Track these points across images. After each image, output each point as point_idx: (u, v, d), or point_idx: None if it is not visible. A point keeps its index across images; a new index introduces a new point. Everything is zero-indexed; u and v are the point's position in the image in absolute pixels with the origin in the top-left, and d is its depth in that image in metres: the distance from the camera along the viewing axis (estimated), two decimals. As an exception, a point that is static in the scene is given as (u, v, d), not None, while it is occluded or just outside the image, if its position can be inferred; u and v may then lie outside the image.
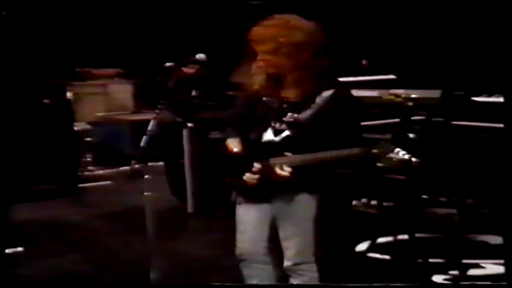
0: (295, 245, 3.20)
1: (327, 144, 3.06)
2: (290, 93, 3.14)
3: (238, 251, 3.33)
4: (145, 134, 3.27)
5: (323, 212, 3.25)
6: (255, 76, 3.19)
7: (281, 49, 3.09)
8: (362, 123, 4.75)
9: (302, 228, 3.20)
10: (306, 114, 3.12)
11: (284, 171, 3.05)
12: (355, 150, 3.02)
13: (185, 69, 3.49)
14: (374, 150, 3.00)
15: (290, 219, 3.19)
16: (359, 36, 5.82)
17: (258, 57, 3.15)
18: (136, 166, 3.12)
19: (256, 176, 3.11)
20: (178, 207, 6.10)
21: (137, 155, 3.18)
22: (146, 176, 3.25)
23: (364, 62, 5.61)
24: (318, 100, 3.12)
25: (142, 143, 3.20)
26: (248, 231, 3.29)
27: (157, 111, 3.32)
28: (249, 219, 3.28)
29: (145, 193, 3.28)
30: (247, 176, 3.13)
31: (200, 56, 3.46)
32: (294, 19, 3.17)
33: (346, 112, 3.14)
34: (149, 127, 3.26)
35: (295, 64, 3.10)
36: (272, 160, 3.08)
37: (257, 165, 3.10)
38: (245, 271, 3.33)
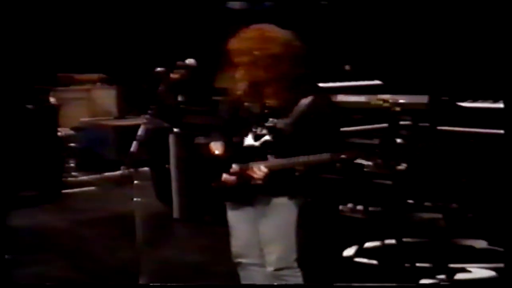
0: (276, 250, 3.22)
1: (306, 149, 3.11)
2: (270, 100, 3.19)
3: (232, 254, 3.35)
4: (135, 139, 3.25)
5: (305, 217, 3.27)
6: (237, 83, 3.23)
7: (257, 62, 3.14)
8: (349, 129, 4.80)
9: (283, 233, 3.22)
10: (286, 120, 3.17)
11: (258, 174, 3.09)
12: (325, 156, 3.06)
13: (171, 74, 3.49)
14: (343, 156, 3.04)
15: (269, 224, 3.22)
16: (342, 41, 5.85)
17: (237, 68, 3.19)
18: (126, 171, 3.11)
19: (233, 177, 3.14)
20: (164, 212, 6.08)
21: (127, 161, 3.16)
22: (135, 182, 3.24)
23: (347, 67, 5.65)
24: (298, 106, 3.16)
25: (132, 149, 3.18)
26: (240, 235, 3.32)
27: (147, 116, 3.30)
28: (240, 223, 3.31)
29: (135, 199, 3.26)
30: (225, 177, 3.17)
31: (190, 61, 3.46)
32: (269, 31, 3.20)
33: (325, 118, 3.19)
34: (139, 132, 3.25)
35: (272, 76, 3.15)
36: (250, 164, 3.14)
37: (235, 166, 3.15)
38: (242, 274, 3.36)
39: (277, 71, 3.14)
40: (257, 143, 3.20)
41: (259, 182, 3.12)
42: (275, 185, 3.16)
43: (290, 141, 3.15)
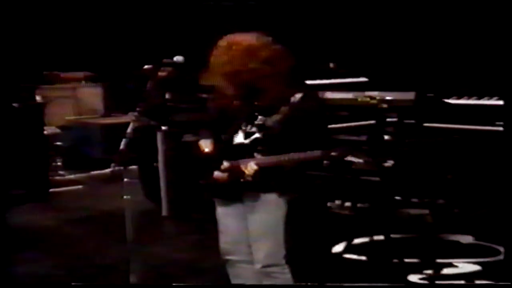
0: (264, 247, 3.22)
1: (295, 146, 3.12)
2: (258, 99, 3.20)
3: (221, 251, 3.36)
4: (124, 137, 3.25)
5: (294, 214, 3.29)
6: (223, 85, 3.24)
7: (240, 75, 3.16)
8: (337, 125, 4.83)
9: (271, 230, 3.23)
10: (275, 117, 3.19)
11: (249, 170, 3.11)
12: (316, 153, 3.08)
13: (159, 72, 3.49)
14: (333, 153, 3.07)
15: (258, 220, 3.23)
16: (328, 39, 5.88)
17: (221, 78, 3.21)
18: (117, 168, 3.11)
19: (225, 174, 3.16)
20: (152, 210, 6.08)
21: (117, 158, 3.17)
22: (125, 179, 3.24)
23: (331, 65, 5.68)
24: (287, 103, 3.18)
25: (121, 146, 3.18)
26: (229, 231, 3.32)
27: (135, 113, 3.30)
28: (229, 219, 3.31)
29: (125, 197, 3.26)
30: (216, 174, 3.18)
31: (178, 58, 3.46)
32: (246, 40, 3.20)
33: (314, 115, 3.22)
34: (128, 130, 3.25)
35: (258, 80, 3.16)
36: (241, 161, 3.15)
37: (226, 163, 3.16)
38: (230, 271, 3.36)
39: (261, 77, 3.16)
40: (247, 141, 3.21)
41: (249, 178, 3.13)
42: (264, 181, 3.17)
43: (279, 139, 3.16)
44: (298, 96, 3.18)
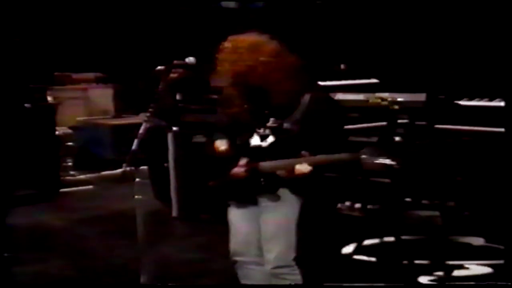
0: (275, 249, 3.22)
1: (313, 148, 3.12)
2: (270, 99, 3.20)
3: (231, 252, 3.36)
4: (136, 138, 3.26)
5: (304, 215, 3.29)
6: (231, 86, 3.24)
7: (252, 71, 3.16)
8: (347, 127, 4.82)
9: (283, 231, 3.23)
10: (290, 119, 3.19)
11: (303, 170, 3.09)
12: (344, 155, 3.07)
13: (170, 73, 3.50)
14: (363, 156, 3.05)
15: (271, 221, 3.23)
16: (340, 40, 5.88)
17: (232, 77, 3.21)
18: (128, 169, 3.12)
19: (243, 169, 3.15)
20: (162, 211, 6.09)
21: (129, 158, 3.18)
22: (137, 180, 3.25)
23: (342, 66, 5.68)
24: (300, 104, 3.18)
25: (134, 147, 3.19)
26: (239, 232, 3.32)
27: (147, 114, 3.31)
28: (240, 221, 3.31)
29: (136, 197, 3.27)
30: (235, 170, 3.18)
31: (190, 59, 3.47)
32: (249, 38, 3.23)
33: (328, 115, 3.23)
34: (141, 130, 3.26)
35: (268, 81, 3.17)
36: (261, 164, 3.14)
37: (243, 160, 3.16)
38: (239, 272, 3.36)
39: (272, 70, 3.16)
40: (264, 144, 3.22)
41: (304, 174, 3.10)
42: (285, 182, 3.16)
43: (296, 140, 3.16)
44: (307, 97, 3.18)
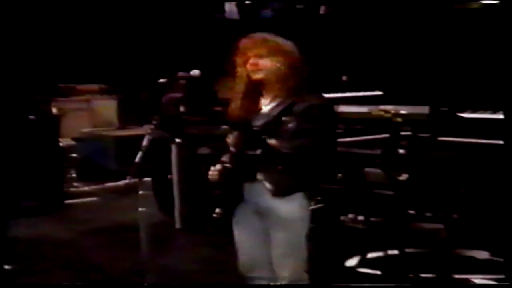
0: (289, 265, 3.18)
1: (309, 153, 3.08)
2: (271, 98, 3.18)
3: (240, 268, 3.30)
4: (140, 150, 3.27)
5: (313, 228, 3.26)
6: (236, 85, 3.20)
7: (272, 53, 3.15)
8: (351, 139, 4.82)
9: (295, 248, 3.18)
10: (287, 123, 3.11)
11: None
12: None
13: (174, 85, 3.51)
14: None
15: (283, 239, 3.16)
16: (342, 52, 5.89)
17: (251, 61, 3.18)
18: (132, 181, 3.13)
19: (218, 168, 3.10)
20: (166, 222, 6.09)
21: (132, 171, 3.18)
22: (140, 192, 3.26)
23: (345, 78, 5.69)
24: (298, 108, 3.11)
25: (137, 159, 3.20)
26: (247, 249, 3.26)
27: (151, 126, 3.32)
28: (246, 237, 3.25)
29: (140, 209, 3.27)
30: (209, 172, 3.12)
31: (194, 72, 3.49)
32: (261, 36, 3.23)
33: (319, 122, 3.13)
34: (144, 142, 3.26)
35: (281, 72, 3.15)
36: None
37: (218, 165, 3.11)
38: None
39: (287, 65, 3.15)
40: (258, 151, 3.13)
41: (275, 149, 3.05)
42: (287, 190, 3.12)
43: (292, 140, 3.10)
44: (307, 101, 3.12)
